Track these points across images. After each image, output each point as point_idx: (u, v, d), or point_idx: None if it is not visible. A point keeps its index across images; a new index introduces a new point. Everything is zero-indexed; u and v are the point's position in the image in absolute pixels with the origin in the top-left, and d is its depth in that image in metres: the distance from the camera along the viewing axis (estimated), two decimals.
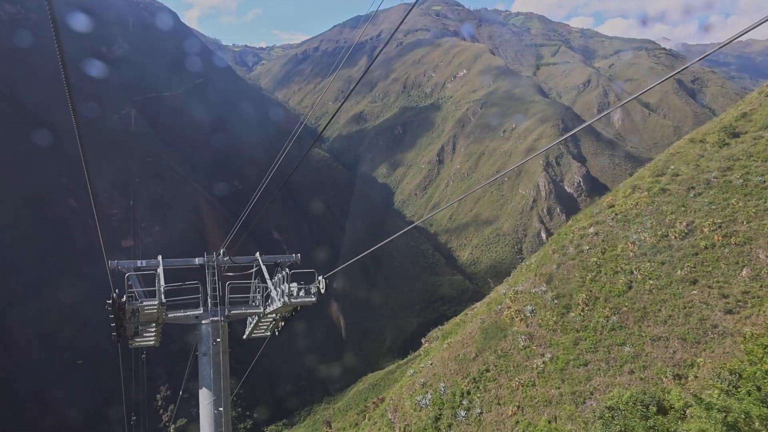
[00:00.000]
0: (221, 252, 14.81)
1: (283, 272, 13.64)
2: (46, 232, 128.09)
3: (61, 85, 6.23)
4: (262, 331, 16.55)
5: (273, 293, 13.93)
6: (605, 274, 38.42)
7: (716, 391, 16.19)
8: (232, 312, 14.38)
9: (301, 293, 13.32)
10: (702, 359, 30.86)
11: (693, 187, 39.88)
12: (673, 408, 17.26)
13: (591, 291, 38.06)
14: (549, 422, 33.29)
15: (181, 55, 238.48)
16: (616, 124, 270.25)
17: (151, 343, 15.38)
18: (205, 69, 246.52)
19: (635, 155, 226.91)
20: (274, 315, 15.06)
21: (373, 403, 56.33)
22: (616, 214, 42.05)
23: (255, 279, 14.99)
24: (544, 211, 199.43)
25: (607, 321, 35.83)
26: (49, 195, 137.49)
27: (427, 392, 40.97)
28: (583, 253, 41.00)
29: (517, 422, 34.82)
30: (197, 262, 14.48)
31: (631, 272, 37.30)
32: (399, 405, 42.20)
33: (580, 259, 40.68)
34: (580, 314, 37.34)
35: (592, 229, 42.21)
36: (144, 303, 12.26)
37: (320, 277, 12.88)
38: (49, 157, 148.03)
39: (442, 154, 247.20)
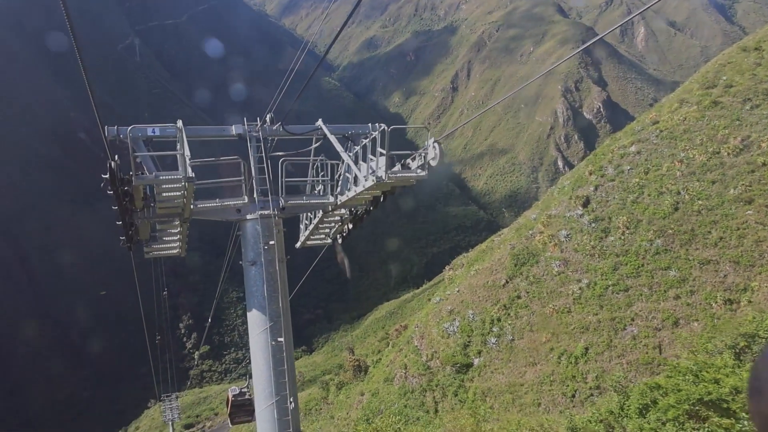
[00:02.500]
0: (267, 119, 10.33)
1: (372, 136, 9.22)
2: (57, 166, 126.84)
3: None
4: (322, 236, 12.87)
5: (355, 172, 9.83)
6: (649, 195, 35.85)
7: None
8: (290, 203, 10.62)
9: (396, 168, 9.31)
10: (757, 283, 28.77)
11: (749, 99, 36.49)
12: None
13: (632, 213, 35.65)
14: (586, 349, 31.88)
15: None
16: (639, 46, 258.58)
17: (175, 251, 11.54)
18: None
19: (659, 79, 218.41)
20: (344, 210, 11.53)
21: (396, 330, 55.69)
22: (661, 131, 38.95)
23: (319, 157, 10.70)
24: (562, 138, 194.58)
25: (651, 244, 33.62)
26: (60, 128, 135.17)
27: (455, 319, 39.67)
28: (623, 173, 38.29)
29: (552, 349, 33.44)
30: (234, 132, 10.28)
31: (678, 192, 34.69)
32: (425, 332, 41.07)
33: (620, 180, 38.04)
34: (620, 238, 35.12)
35: (633, 148, 39.27)
36: (161, 176, 8.42)
37: (432, 141, 8.70)
38: (57, 92, 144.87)
39: (457, 81, 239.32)
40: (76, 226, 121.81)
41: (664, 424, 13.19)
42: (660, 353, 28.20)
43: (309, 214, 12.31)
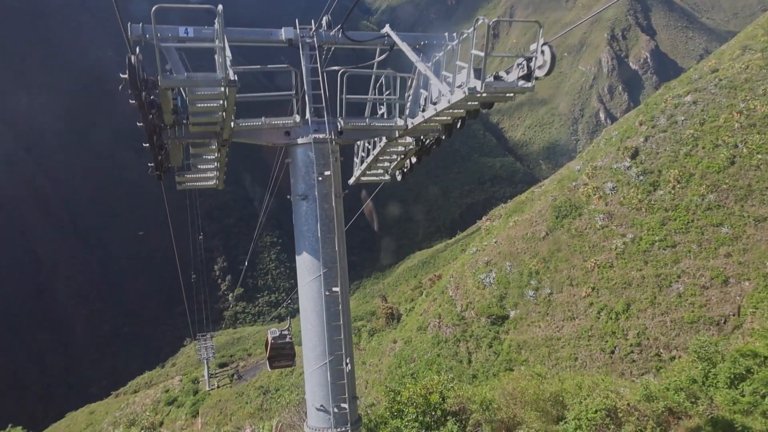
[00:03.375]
0: (323, 22, 8.60)
1: (464, 36, 7.45)
2: (97, 106, 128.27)
3: None
4: (380, 172, 11.24)
5: (435, 85, 7.69)
6: (703, 147, 33.96)
7: None
8: (351, 125, 8.74)
9: (490, 79, 7.04)
10: None
11: None
12: None
13: (684, 167, 33.91)
14: (628, 305, 31.03)
15: None
16: None
17: (211, 183, 10.13)
18: None
19: (712, 28, 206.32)
20: (410, 139, 9.80)
21: (430, 279, 55.52)
22: (720, 80, 36.53)
23: (386, 70, 8.70)
24: (605, 89, 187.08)
25: (703, 200, 32.06)
26: (98, 69, 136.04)
27: (491, 271, 39.07)
28: (677, 124, 36.26)
29: (591, 304, 32.71)
30: (283, 36, 8.48)
31: (736, 146, 32.74)
32: (461, 282, 40.65)
33: (672, 131, 36.07)
34: (669, 192, 33.56)
35: (689, 98, 37.02)
36: (195, 77, 6.61)
37: (541, 43, 6.70)
38: (95, 31, 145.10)
39: (498, 27, 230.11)
40: (116, 166, 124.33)
41: (763, 397, 11.77)
42: (738, 315, 26.88)
43: (366, 143, 10.72)
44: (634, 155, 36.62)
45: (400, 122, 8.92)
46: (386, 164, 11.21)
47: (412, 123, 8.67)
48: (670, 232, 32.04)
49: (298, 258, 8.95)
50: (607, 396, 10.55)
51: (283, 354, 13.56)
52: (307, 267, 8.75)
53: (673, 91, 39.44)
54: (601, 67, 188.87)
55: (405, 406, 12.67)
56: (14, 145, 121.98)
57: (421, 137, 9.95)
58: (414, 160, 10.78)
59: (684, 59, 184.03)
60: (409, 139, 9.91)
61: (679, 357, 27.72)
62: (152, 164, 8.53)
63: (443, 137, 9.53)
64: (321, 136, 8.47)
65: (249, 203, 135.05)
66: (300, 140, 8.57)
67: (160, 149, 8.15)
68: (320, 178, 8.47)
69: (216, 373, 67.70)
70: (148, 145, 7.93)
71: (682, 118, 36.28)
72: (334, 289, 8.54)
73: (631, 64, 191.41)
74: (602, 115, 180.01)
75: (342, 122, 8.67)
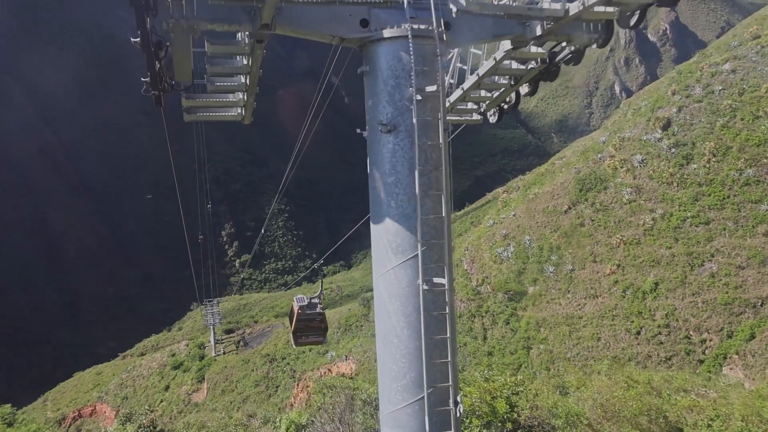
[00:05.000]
0: None
1: None
2: (109, 69, 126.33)
3: None
4: (471, 108, 8.06)
5: None
6: (742, 119, 32.02)
7: None
8: (477, 3, 5.52)
9: None
10: None
11: None
12: None
13: (721, 139, 32.01)
14: (656, 284, 29.52)
15: None
16: None
17: (234, 113, 7.05)
18: None
19: (735, 0, 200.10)
20: (541, 50, 6.49)
21: None
22: (763, 47, 34.37)
23: None
24: (621, 61, 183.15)
25: (740, 174, 30.30)
26: (110, 33, 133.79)
27: (509, 245, 37.57)
28: (713, 94, 34.21)
29: (616, 282, 31.22)
30: None
31: None
32: (476, 256, 39.23)
33: (708, 102, 34.05)
34: (704, 166, 31.72)
35: (728, 66, 34.85)
36: None
37: None
38: None
39: None
40: (126, 129, 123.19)
41: None
42: None
43: (459, 63, 7.37)
44: (666, 126, 34.68)
45: (554, 6, 5.50)
46: (485, 94, 7.87)
47: (581, 5, 5.27)
48: (703, 208, 30.35)
49: (374, 228, 5.71)
50: (745, 418, 8.56)
51: (312, 327, 11.09)
52: (390, 243, 5.44)
53: (710, 58, 37.24)
54: (618, 39, 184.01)
55: (467, 415, 10.36)
56: (27, 108, 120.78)
57: (562, 45, 6.67)
58: (526, 89, 7.60)
59: (704, 32, 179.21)
60: (539, 50, 6.69)
61: (711, 340, 26.40)
62: (147, 79, 5.42)
63: (594, 44, 6.32)
64: (422, 26, 5.18)
65: (256, 169, 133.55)
66: (387, 32, 5.28)
67: (159, 48, 5.06)
68: (419, 97, 5.17)
69: (222, 339, 67.15)
70: (139, 38, 4.81)
71: (720, 88, 34.20)
72: (437, 280, 5.30)
73: (649, 35, 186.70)
74: (617, 88, 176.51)
75: (462, 2, 5.32)
